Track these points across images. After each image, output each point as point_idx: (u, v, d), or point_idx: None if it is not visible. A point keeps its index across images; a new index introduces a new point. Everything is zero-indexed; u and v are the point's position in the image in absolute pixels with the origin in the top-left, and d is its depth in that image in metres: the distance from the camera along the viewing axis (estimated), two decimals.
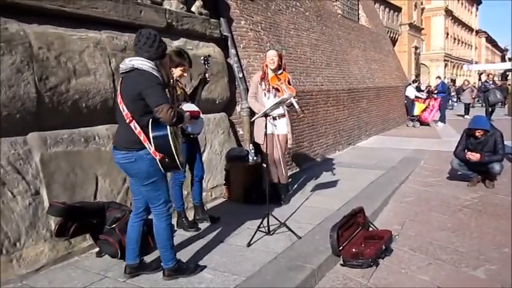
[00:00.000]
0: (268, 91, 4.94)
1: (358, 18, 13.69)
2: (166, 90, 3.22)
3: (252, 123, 6.02)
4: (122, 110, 2.91)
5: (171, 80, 3.13)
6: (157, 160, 2.84)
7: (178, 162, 2.88)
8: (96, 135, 4.06)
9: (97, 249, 3.65)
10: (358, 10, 13.71)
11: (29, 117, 3.55)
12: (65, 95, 3.81)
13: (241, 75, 6.33)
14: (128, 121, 2.88)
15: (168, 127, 2.82)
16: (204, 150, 5.33)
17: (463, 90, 19.18)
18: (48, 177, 3.58)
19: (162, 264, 3.16)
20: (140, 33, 2.96)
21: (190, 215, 4.44)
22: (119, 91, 2.97)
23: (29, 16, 3.69)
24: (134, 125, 2.86)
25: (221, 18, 6.27)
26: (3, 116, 3.36)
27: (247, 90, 6.26)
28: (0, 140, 3.35)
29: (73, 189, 3.75)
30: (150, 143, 2.83)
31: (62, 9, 3.91)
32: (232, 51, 6.36)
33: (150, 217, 3.22)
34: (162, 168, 2.90)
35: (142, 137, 2.84)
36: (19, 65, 3.45)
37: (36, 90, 3.56)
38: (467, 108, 17.96)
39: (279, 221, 4.11)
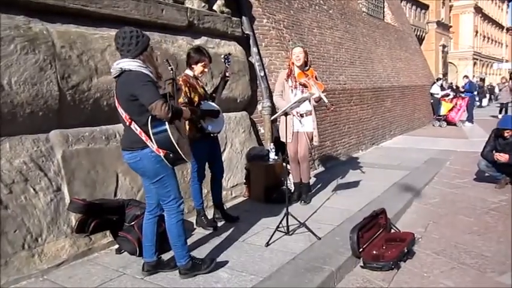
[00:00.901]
0: (295, 87, 4.89)
1: (384, 16, 13.46)
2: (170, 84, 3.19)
3: (273, 122, 6.01)
4: (121, 113, 2.93)
5: (171, 72, 3.08)
6: (162, 156, 2.85)
7: (182, 155, 2.88)
8: (117, 132, 4.09)
9: (117, 246, 3.69)
10: (383, 8, 13.48)
11: (51, 115, 3.61)
12: (86, 93, 3.85)
13: (262, 74, 6.29)
14: (127, 123, 2.91)
15: (166, 122, 2.83)
16: (224, 149, 5.32)
17: (500, 90, 18.41)
18: (69, 174, 3.63)
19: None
20: (116, 35, 2.93)
21: (210, 214, 4.43)
22: (115, 95, 2.99)
23: (52, 15, 3.75)
24: (134, 126, 2.88)
25: (243, 17, 6.25)
26: (26, 113, 3.42)
27: (269, 89, 6.25)
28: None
29: (94, 186, 3.80)
30: (151, 141, 2.84)
31: (85, 8, 3.96)
32: (254, 49, 6.33)
33: None
34: (168, 164, 2.91)
35: (143, 136, 2.86)
36: (42, 63, 3.51)
37: (59, 89, 3.62)
38: (505, 108, 16.54)
39: (298, 221, 4.06)
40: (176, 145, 2.83)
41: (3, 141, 3.31)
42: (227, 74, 4.21)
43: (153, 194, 3.14)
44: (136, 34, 2.89)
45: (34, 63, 3.46)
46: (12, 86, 3.31)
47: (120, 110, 2.93)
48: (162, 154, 2.84)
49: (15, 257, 3.17)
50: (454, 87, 18.56)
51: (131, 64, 2.86)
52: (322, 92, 4.71)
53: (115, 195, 3.95)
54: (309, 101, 4.71)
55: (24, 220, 3.27)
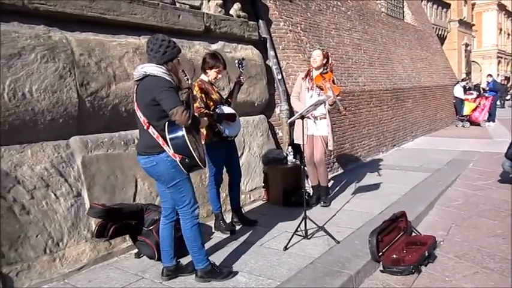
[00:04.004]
0: (312, 89, 4.94)
1: (403, 16, 13.30)
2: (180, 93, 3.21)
3: (291, 125, 5.99)
4: (139, 116, 2.96)
5: (187, 82, 3.10)
6: (178, 161, 2.86)
7: (198, 161, 2.90)
8: (135, 138, 4.13)
9: (136, 250, 3.72)
10: (403, 8, 13.32)
11: (71, 122, 3.68)
12: (105, 100, 3.91)
13: (280, 77, 6.28)
14: (145, 127, 2.94)
15: (183, 128, 2.84)
16: (242, 153, 5.33)
17: None
18: (89, 180, 3.69)
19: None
20: (148, 39, 3.00)
21: (228, 218, 4.44)
22: (134, 98, 3.02)
23: (71, 24, 3.83)
24: (152, 131, 2.91)
25: (260, 21, 6.26)
26: (47, 120, 3.50)
27: (287, 92, 6.23)
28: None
29: (113, 191, 3.85)
30: (168, 145, 2.86)
31: (103, 16, 4.02)
32: (271, 53, 6.32)
33: None
34: (183, 169, 2.92)
35: (160, 141, 2.88)
36: (62, 71, 3.58)
37: (78, 96, 3.68)
38: None
39: (316, 224, 4.03)
40: (192, 150, 2.85)
41: (25, 148, 3.39)
42: (241, 79, 4.22)
43: (168, 199, 3.16)
44: (166, 44, 2.95)
45: (54, 71, 3.53)
46: (33, 94, 3.38)
47: (139, 114, 2.96)
48: (178, 159, 2.86)
49: (38, 261, 3.23)
50: (480, 87, 18.10)
51: (156, 69, 2.90)
52: (338, 96, 4.71)
53: (134, 200, 4.00)
54: (324, 105, 4.70)
55: (45, 225, 3.34)
